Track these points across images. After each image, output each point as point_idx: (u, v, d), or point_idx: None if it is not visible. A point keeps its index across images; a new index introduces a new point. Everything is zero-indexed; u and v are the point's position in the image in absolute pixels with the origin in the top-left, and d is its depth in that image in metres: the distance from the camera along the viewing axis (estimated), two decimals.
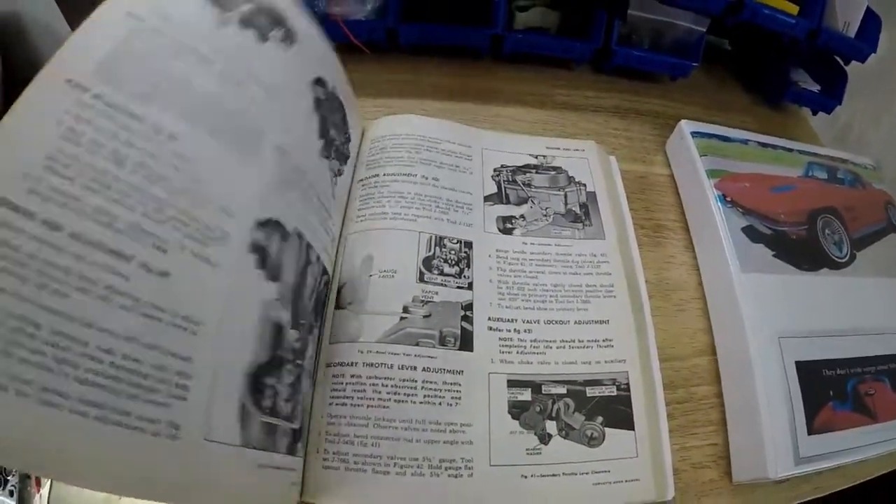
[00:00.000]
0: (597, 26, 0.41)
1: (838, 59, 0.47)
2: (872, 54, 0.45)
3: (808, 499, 0.31)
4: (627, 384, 0.29)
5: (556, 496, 0.26)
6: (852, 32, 0.45)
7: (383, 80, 0.40)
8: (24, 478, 0.63)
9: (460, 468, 0.25)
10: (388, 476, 0.24)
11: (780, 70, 0.47)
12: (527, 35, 0.42)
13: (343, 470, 0.24)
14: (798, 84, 0.47)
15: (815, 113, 0.49)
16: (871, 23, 0.45)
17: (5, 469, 0.60)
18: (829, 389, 0.30)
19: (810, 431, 0.29)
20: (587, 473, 0.26)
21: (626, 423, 0.28)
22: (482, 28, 0.41)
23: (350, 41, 0.41)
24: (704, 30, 0.42)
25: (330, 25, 0.41)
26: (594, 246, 0.34)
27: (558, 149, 0.38)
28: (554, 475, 0.26)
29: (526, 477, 0.26)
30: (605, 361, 0.30)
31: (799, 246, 0.35)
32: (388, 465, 0.24)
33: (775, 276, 0.33)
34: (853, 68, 0.47)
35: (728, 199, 0.36)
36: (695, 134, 0.39)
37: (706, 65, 0.48)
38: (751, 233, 0.34)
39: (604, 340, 0.30)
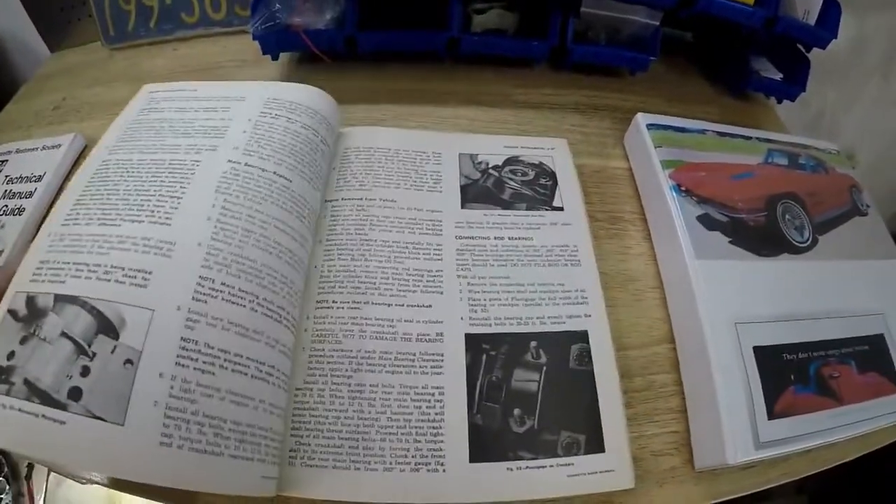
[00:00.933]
0: (552, 25, 0.42)
1: (800, 46, 0.47)
2: (836, 41, 0.45)
3: (777, 484, 0.31)
4: None
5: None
6: (812, 20, 0.45)
7: (344, 87, 0.41)
8: (18, 495, 0.64)
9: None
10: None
11: (740, 59, 0.47)
12: (483, 37, 0.43)
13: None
14: (759, 73, 0.47)
15: (779, 101, 0.49)
16: (832, 9, 0.45)
17: None
18: (790, 373, 0.30)
19: (770, 416, 0.29)
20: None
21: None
22: (438, 32, 0.41)
23: (310, 50, 0.42)
24: (658, 23, 0.42)
25: (291, 36, 0.42)
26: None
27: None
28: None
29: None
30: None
31: (757, 232, 0.35)
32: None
33: (731, 262, 0.33)
34: (823, 57, 0.47)
35: (683, 188, 0.36)
36: (650, 126, 0.39)
37: (668, 57, 0.48)
38: (706, 220, 0.35)
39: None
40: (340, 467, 0.25)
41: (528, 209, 0.35)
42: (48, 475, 0.65)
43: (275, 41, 0.43)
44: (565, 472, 0.26)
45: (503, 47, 0.43)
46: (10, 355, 0.21)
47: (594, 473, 0.26)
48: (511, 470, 0.26)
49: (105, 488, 0.28)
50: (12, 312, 0.23)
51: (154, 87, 0.35)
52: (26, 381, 0.21)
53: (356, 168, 0.35)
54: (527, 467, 0.26)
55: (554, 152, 0.38)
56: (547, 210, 0.35)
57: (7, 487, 0.65)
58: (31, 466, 0.66)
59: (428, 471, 0.25)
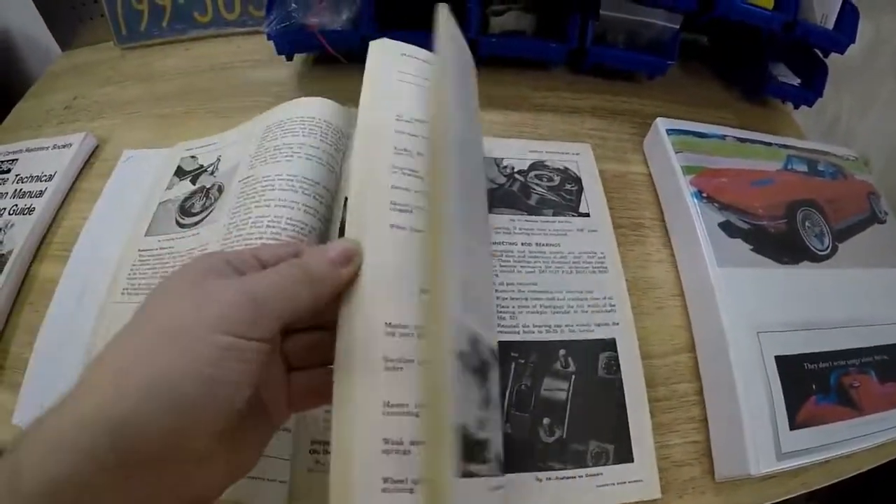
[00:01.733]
0: (571, 27, 0.42)
1: (818, 51, 0.47)
2: (853, 46, 0.45)
3: (795, 494, 0.31)
4: None
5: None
6: (830, 24, 0.45)
7: (358, 89, 0.41)
8: None
9: None
10: None
11: (758, 64, 0.47)
12: (501, 39, 0.42)
13: None
14: (777, 78, 0.47)
15: (796, 107, 0.49)
16: (849, 14, 0.45)
17: None
18: (811, 383, 0.30)
19: (792, 426, 0.28)
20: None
21: None
22: None
23: (326, 51, 0.42)
24: (678, 27, 0.42)
25: (306, 36, 0.41)
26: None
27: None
28: None
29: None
30: None
31: (778, 239, 0.35)
32: None
33: (753, 269, 0.33)
34: (839, 61, 0.47)
35: (704, 194, 0.36)
36: (671, 131, 0.39)
37: (685, 62, 0.48)
38: (727, 228, 0.34)
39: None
40: None
41: (554, 215, 0.35)
42: None
43: (290, 41, 0.42)
44: (594, 483, 0.26)
45: (521, 49, 0.43)
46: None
47: (623, 483, 0.26)
48: (540, 480, 0.26)
49: None
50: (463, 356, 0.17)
51: None
52: None
53: None
54: (556, 478, 0.26)
55: (579, 157, 0.38)
56: (573, 216, 0.35)
57: None
58: None
59: None
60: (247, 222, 0.30)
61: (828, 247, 0.36)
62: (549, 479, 0.26)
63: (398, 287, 0.18)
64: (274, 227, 0.30)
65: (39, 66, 0.55)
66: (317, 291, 0.17)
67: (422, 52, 0.27)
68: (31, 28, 0.53)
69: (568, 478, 0.26)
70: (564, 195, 0.36)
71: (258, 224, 0.30)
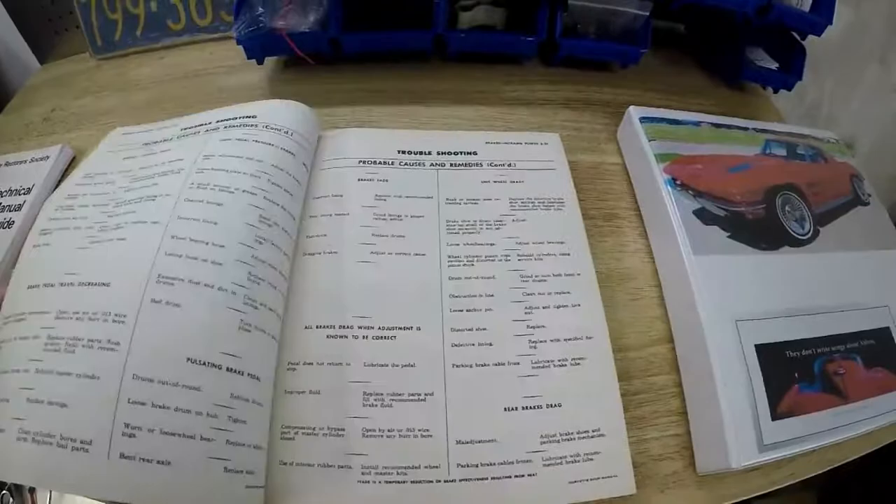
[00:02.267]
0: (540, 19, 0.41)
1: (795, 34, 0.46)
2: (831, 29, 0.44)
3: (783, 485, 0.30)
4: None
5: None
6: (806, 6, 0.44)
7: (329, 89, 0.41)
8: None
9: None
10: None
11: (735, 49, 0.46)
12: (469, 34, 0.42)
13: None
14: (755, 63, 0.46)
15: (776, 91, 0.48)
16: None
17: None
18: (794, 371, 0.29)
19: (774, 417, 0.28)
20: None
21: None
22: (423, 30, 0.41)
23: (295, 54, 0.42)
24: (648, 14, 0.41)
25: (275, 39, 0.41)
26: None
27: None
28: None
29: None
30: None
31: (756, 225, 0.34)
32: None
33: (731, 257, 0.32)
34: (819, 47, 0.46)
35: (678, 182, 0.35)
36: (644, 119, 0.38)
37: (661, 50, 0.47)
38: (703, 215, 0.34)
39: None
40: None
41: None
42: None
43: (259, 45, 0.42)
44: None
45: (491, 44, 0.43)
46: None
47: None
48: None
49: None
50: None
51: None
52: None
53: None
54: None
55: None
56: None
57: (11, 500, 0.65)
58: None
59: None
60: None
61: (809, 231, 0.35)
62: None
63: None
64: None
65: (19, 79, 0.56)
66: None
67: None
68: (11, 43, 0.53)
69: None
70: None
71: None
